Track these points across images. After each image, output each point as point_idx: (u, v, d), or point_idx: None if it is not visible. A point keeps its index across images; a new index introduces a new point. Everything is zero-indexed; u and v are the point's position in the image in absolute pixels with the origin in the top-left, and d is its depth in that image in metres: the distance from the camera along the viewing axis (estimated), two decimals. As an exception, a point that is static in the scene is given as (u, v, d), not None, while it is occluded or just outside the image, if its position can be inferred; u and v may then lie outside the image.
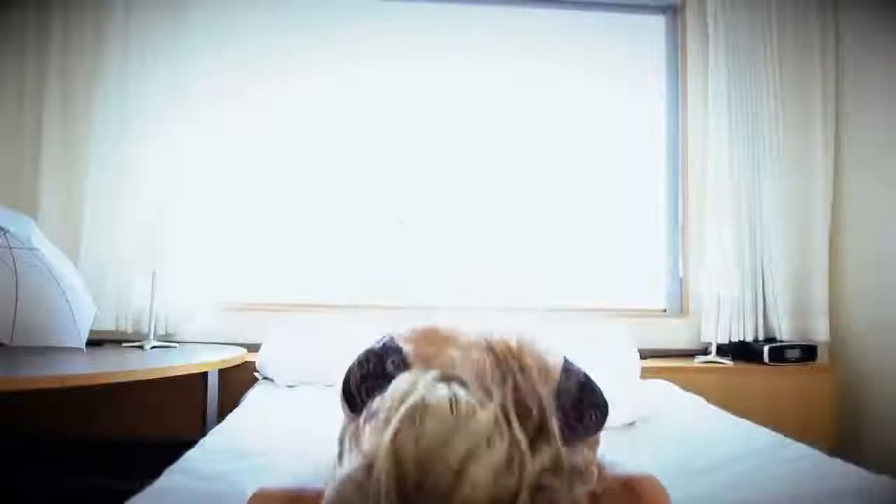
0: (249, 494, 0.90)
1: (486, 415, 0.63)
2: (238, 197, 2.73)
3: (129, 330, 2.45)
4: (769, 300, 2.67)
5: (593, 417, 0.85)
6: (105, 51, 2.51)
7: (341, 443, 0.79)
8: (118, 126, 2.50)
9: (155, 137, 2.52)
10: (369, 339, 0.87)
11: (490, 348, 0.73)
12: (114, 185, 2.48)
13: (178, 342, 2.48)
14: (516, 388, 0.68)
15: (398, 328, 0.84)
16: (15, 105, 2.52)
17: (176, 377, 2.02)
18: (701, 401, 2.06)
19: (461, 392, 0.65)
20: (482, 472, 0.60)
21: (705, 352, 2.64)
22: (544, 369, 0.77)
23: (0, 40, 2.52)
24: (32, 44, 2.52)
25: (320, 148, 2.77)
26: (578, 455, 0.77)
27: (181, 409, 2.28)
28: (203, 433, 1.72)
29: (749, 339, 2.65)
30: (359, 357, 0.84)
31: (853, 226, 2.68)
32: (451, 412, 0.63)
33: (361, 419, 0.70)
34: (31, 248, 2.02)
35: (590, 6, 2.88)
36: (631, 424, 1.85)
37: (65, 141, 2.52)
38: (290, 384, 2.21)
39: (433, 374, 0.68)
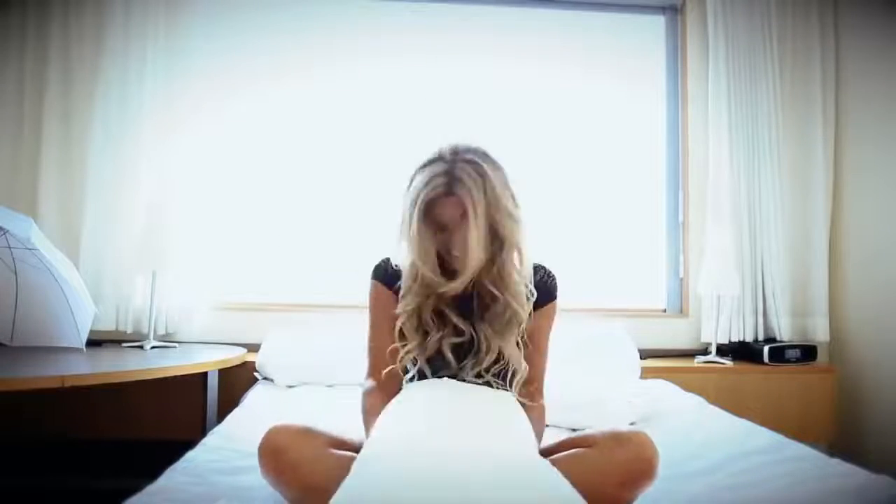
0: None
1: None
2: (238, 197, 2.73)
3: (129, 330, 2.45)
4: (769, 300, 2.67)
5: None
6: (105, 51, 2.51)
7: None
8: (117, 126, 2.49)
9: (154, 137, 2.52)
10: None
11: None
12: (113, 185, 2.48)
13: (178, 342, 2.48)
14: None
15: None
16: (15, 105, 2.52)
17: (176, 377, 2.02)
18: (701, 401, 2.06)
19: None
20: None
21: (705, 352, 2.63)
22: None
23: (0, 40, 2.52)
24: (32, 44, 2.52)
25: (321, 147, 2.77)
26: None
27: (181, 409, 2.28)
28: (203, 433, 1.73)
29: (749, 339, 2.65)
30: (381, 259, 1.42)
31: (853, 226, 2.68)
32: None
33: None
34: (31, 248, 2.02)
35: (590, 6, 2.88)
36: (631, 424, 1.86)
37: (64, 141, 2.52)
38: (290, 384, 2.21)
39: None
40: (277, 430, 1.10)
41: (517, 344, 1.31)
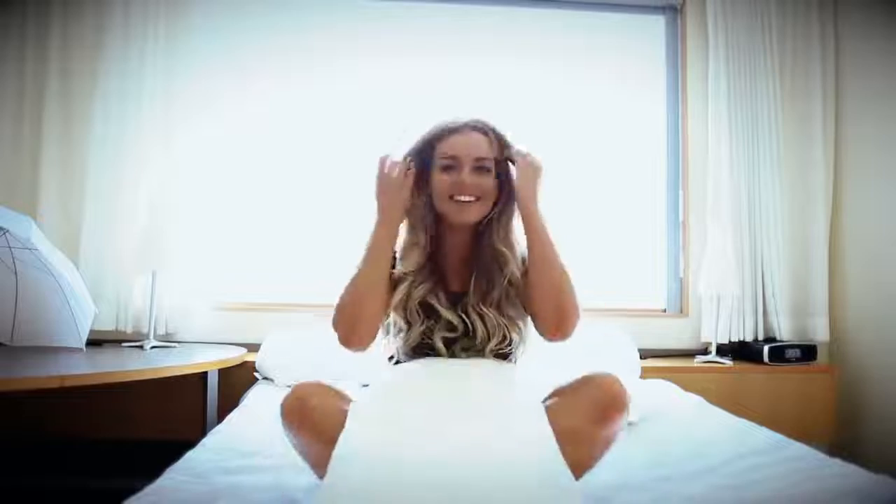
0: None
1: None
2: (238, 197, 2.73)
3: (129, 330, 2.45)
4: (769, 300, 2.67)
5: None
6: (105, 51, 2.51)
7: None
8: (117, 126, 2.49)
9: (155, 137, 2.52)
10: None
11: None
12: (113, 185, 2.48)
13: (178, 342, 2.48)
14: None
15: None
16: (15, 105, 2.52)
17: (176, 377, 2.02)
18: (701, 401, 2.06)
19: None
20: None
21: (705, 352, 2.64)
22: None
23: (0, 40, 2.53)
24: (32, 44, 2.52)
25: (321, 147, 2.77)
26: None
27: (181, 409, 2.28)
28: (203, 433, 1.73)
29: (749, 339, 2.65)
30: None
31: (853, 225, 2.68)
32: None
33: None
34: (31, 248, 2.02)
35: (590, 6, 2.88)
36: (631, 424, 1.85)
37: (65, 141, 2.52)
38: (290, 384, 2.20)
39: None
40: (303, 385, 1.14)
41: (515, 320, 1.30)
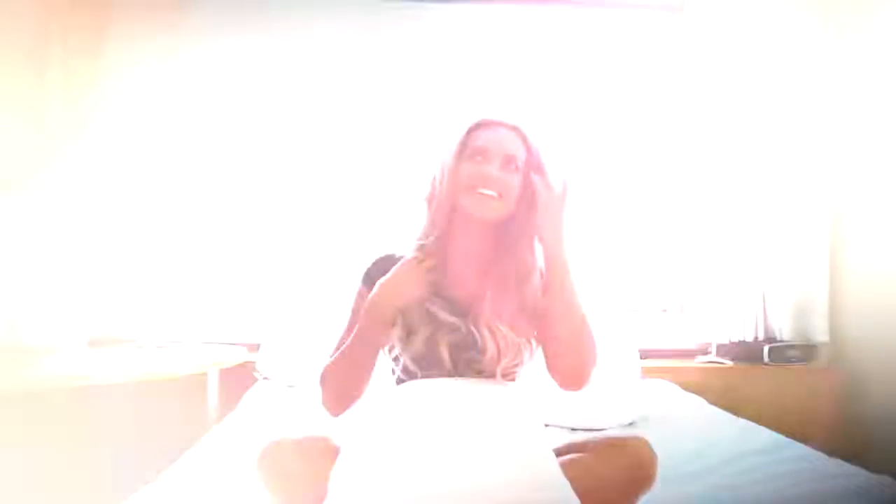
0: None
1: None
2: (238, 196, 2.71)
3: (129, 330, 2.45)
4: (769, 300, 2.67)
5: None
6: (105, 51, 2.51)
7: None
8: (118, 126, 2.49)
9: (154, 137, 2.51)
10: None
11: None
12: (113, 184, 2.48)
13: (177, 342, 2.47)
14: None
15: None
16: (15, 105, 2.52)
17: (176, 377, 2.02)
18: (701, 401, 2.07)
19: None
20: None
21: (705, 352, 2.63)
22: None
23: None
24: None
25: (322, 147, 2.76)
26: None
27: (181, 410, 2.28)
28: (203, 433, 1.73)
29: (749, 339, 2.65)
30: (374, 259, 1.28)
31: (854, 225, 2.68)
32: None
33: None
34: (31, 247, 2.02)
35: (589, 6, 2.88)
36: (630, 424, 1.86)
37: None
38: (291, 384, 2.21)
39: None
40: (275, 445, 1.07)
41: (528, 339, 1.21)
